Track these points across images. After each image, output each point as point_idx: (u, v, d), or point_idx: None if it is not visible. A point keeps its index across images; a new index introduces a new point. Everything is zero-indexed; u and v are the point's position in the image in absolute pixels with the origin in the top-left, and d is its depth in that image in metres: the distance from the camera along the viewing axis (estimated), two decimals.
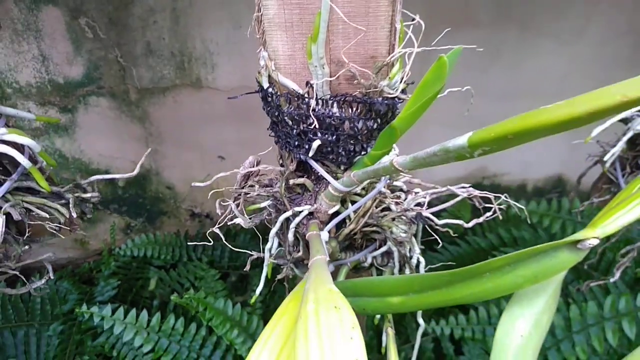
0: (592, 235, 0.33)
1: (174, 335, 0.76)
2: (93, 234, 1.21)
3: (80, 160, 1.08)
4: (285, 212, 0.36)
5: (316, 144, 0.33)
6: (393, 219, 0.38)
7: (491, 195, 0.39)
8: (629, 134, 0.45)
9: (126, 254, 1.06)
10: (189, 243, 1.14)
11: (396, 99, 0.31)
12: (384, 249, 0.39)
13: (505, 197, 0.38)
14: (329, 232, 0.37)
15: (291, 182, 0.36)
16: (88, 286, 1.07)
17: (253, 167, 0.37)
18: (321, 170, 0.34)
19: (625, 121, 0.45)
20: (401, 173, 0.38)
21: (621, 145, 0.45)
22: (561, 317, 0.83)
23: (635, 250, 0.54)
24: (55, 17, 0.90)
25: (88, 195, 0.45)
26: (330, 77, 0.31)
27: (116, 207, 1.19)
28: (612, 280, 0.55)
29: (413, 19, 0.31)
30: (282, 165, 0.37)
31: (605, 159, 0.46)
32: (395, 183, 0.38)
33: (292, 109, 0.32)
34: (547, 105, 0.20)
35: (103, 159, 1.09)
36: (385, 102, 0.31)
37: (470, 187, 0.39)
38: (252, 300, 0.43)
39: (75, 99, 1.00)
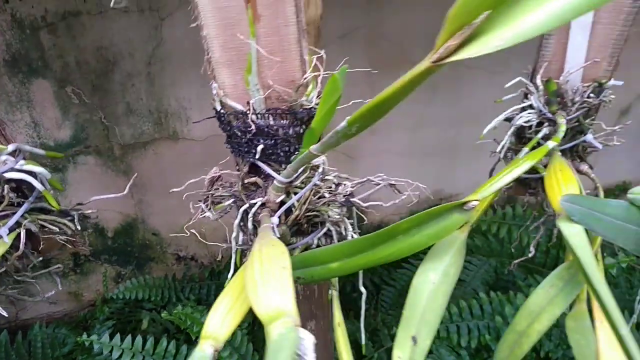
0: (474, 198, 0.46)
1: (167, 357, 0.84)
2: (85, 285, 1.29)
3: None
4: (243, 205, 0.47)
5: (260, 148, 0.44)
6: (328, 205, 0.49)
7: (404, 182, 0.51)
8: (512, 129, 0.57)
9: (118, 298, 1.14)
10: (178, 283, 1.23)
11: (312, 108, 0.43)
12: (324, 230, 0.50)
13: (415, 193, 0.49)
14: (280, 218, 0.48)
15: (246, 181, 0.47)
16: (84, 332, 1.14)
17: (216, 173, 0.48)
18: (267, 168, 0.45)
19: (509, 120, 0.58)
20: (331, 170, 0.50)
21: (508, 139, 0.58)
22: (513, 308, 0.93)
23: (542, 229, 0.65)
24: (44, 88, 1.03)
25: (89, 211, 0.55)
26: (264, 97, 0.43)
27: (106, 257, 1.27)
28: (530, 255, 0.65)
29: (320, 55, 0.44)
30: (238, 170, 0.49)
31: (497, 150, 0.59)
32: (327, 177, 0.50)
33: (239, 123, 0.44)
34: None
35: (92, 212, 1.19)
36: (306, 111, 0.43)
37: (384, 176, 0.51)
38: (226, 284, 0.52)
39: (65, 159, 1.11)
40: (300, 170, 0.46)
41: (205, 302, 1.23)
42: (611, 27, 0.49)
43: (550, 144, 0.51)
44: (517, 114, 0.57)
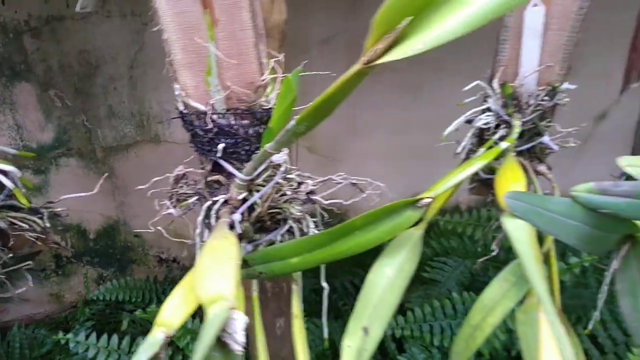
0: (427, 196, 0.48)
1: None
2: (67, 287, 1.30)
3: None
4: (206, 202, 0.49)
5: (221, 146, 0.46)
6: (290, 202, 0.51)
7: (363, 181, 0.53)
8: (472, 131, 0.60)
9: (99, 299, 1.15)
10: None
11: (271, 109, 0.45)
12: (287, 227, 0.52)
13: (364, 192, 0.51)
14: (242, 215, 0.50)
15: (209, 179, 0.49)
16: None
17: (181, 172, 0.50)
18: (228, 166, 0.47)
19: (469, 122, 0.60)
20: (292, 168, 0.52)
21: (469, 140, 0.60)
22: None
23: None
24: (27, 91, 1.04)
25: (59, 209, 0.57)
26: (225, 97, 0.45)
27: (88, 259, 1.28)
28: (494, 253, 0.67)
29: (278, 58, 0.46)
30: (202, 168, 0.50)
31: (457, 151, 0.61)
32: (290, 176, 0.52)
33: (201, 123, 0.46)
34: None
35: (74, 213, 1.20)
36: (265, 112, 0.45)
37: (343, 174, 0.53)
38: None
39: (47, 161, 1.12)
40: (261, 169, 0.48)
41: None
42: (560, 33, 0.51)
43: (504, 144, 0.53)
44: (477, 117, 0.60)
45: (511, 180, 0.49)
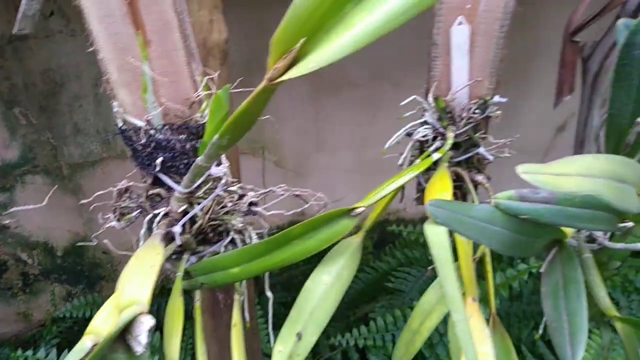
0: (360, 205, 0.50)
1: None
2: (35, 305, 1.29)
3: (20, 235, 1.19)
4: (147, 215, 0.51)
5: (159, 161, 0.48)
6: (232, 214, 0.53)
7: (300, 192, 0.55)
8: (411, 143, 0.62)
9: (67, 317, 1.14)
10: None
11: (206, 124, 0.47)
12: (229, 238, 0.54)
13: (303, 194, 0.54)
14: (184, 227, 0.52)
15: (150, 193, 0.51)
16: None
17: (124, 185, 0.52)
18: (167, 180, 0.49)
19: (409, 134, 0.63)
20: (234, 180, 0.54)
21: (409, 151, 0.63)
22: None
23: None
24: None
25: (7, 222, 0.58)
26: (162, 113, 0.47)
27: (56, 277, 1.28)
28: None
29: (212, 77, 0.48)
30: (144, 182, 0.52)
31: (399, 163, 0.64)
32: (231, 188, 0.54)
33: (139, 138, 0.48)
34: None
35: (41, 231, 1.20)
36: (200, 126, 0.47)
37: (285, 186, 0.55)
38: None
39: (13, 178, 1.13)
40: (200, 182, 0.50)
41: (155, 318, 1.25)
42: (486, 49, 0.54)
43: (435, 155, 0.56)
44: (416, 129, 0.62)
45: (438, 190, 0.51)
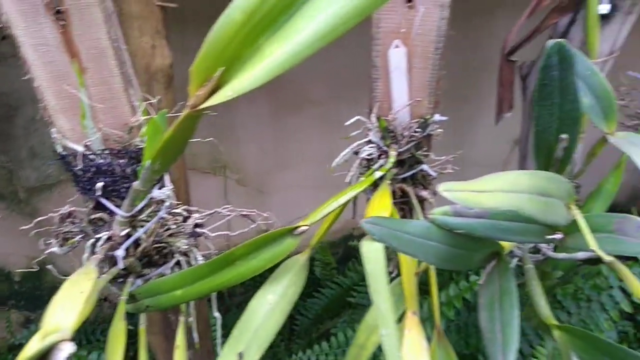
0: (303, 224, 0.51)
1: None
2: None
3: None
4: (90, 240, 0.51)
5: (99, 185, 0.48)
6: (176, 236, 0.53)
7: (253, 212, 0.56)
8: (357, 161, 0.64)
9: (23, 344, 1.11)
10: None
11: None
12: (174, 260, 0.54)
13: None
14: (128, 250, 0.52)
15: (92, 217, 0.51)
16: None
17: (66, 210, 0.52)
18: (108, 204, 0.49)
19: (357, 153, 0.65)
20: (178, 203, 0.54)
21: (355, 169, 0.64)
22: None
23: None
24: None
25: None
26: (101, 138, 0.47)
27: (14, 303, 1.25)
28: (392, 275, 0.71)
29: (152, 102, 0.49)
30: (86, 207, 0.52)
31: (347, 180, 0.65)
32: (175, 210, 0.54)
33: (79, 164, 0.48)
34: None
35: None
36: (140, 151, 0.48)
37: (230, 207, 0.56)
38: None
39: None
40: (142, 205, 0.50)
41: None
42: (423, 71, 0.56)
43: (378, 173, 0.58)
44: (362, 148, 0.64)
45: (378, 207, 0.53)
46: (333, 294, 1.19)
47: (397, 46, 0.54)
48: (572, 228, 0.45)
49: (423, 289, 1.17)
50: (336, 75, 1.17)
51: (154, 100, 0.48)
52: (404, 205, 0.69)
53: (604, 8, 0.54)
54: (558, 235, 0.47)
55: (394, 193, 0.66)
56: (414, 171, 0.64)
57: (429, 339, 0.56)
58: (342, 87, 1.22)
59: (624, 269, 0.58)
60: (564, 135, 0.48)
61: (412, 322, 0.50)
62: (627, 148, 0.53)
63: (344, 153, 0.64)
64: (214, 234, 0.54)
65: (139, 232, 0.51)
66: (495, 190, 0.41)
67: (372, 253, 0.45)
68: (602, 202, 0.71)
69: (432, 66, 0.56)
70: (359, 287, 1.14)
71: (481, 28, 1.18)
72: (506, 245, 0.57)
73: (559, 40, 0.43)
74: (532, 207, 0.43)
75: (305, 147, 1.26)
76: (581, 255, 0.59)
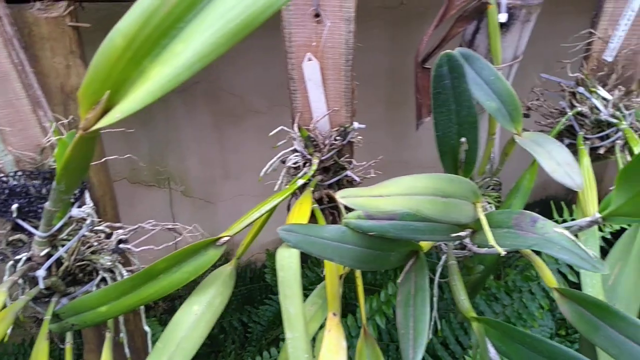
0: (225, 235, 0.52)
1: None
2: None
3: None
4: (9, 262, 0.51)
5: (15, 207, 0.48)
6: (99, 253, 0.54)
7: (172, 225, 0.57)
8: (284, 170, 0.66)
9: None
10: None
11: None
12: (100, 277, 0.55)
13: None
14: (50, 270, 0.52)
15: (10, 239, 0.51)
16: None
17: None
18: (26, 225, 0.49)
19: (283, 162, 0.67)
20: (100, 220, 0.55)
21: (283, 177, 0.66)
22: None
23: None
24: None
25: None
26: (14, 160, 0.47)
27: None
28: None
29: (66, 121, 0.49)
30: (4, 229, 0.52)
31: (275, 189, 0.67)
32: (98, 228, 0.55)
33: None
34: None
35: None
36: (54, 171, 0.48)
37: (153, 222, 0.57)
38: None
39: None
40: (61, 224, 0.50)
41: None
42: (337, 82, 0.59)
43: (300, 181, 0.60)
44: (288, 157, 0.66)
45: (297, 214, 0.55)
46: (278, 308, 1.20)
47: (309, 59, 0.56)
48: (478, 225, 0.48)
49: (370, 289, 1.20)
50: (276, 85, 1.19)
51: (65, 121, 0.49)
52: (333, 210, 0.71)
53: (502, 17, 0.58)
54: (463, 233, 0.50)
55: (321, 199, 0.68)
56: (338, 177, 0.66)
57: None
58: (283, 96, 1.24)
59: (538, 260, 0.62)
60: (462, 139, 0.51)
61: (332, 323, 0.52)
62: (531, 147, 0.57)
63: (270, 162, 0.66)
64: (138, 249, 0.55)
65: (60, 252, 0.51)
66: (393, 195, 0.44)
67: (285, 260, 0.47)
68: (521, 198, 0.75)
69: (345, 77, 0.58)
70: (307, 292, 1.16)
71: (417, 32, 1.22)
72: (425, 244, 0.60)
73: (448, 51, 0.46)
74: (430, 208, 0.45)
75: (248, 156, 1.27)
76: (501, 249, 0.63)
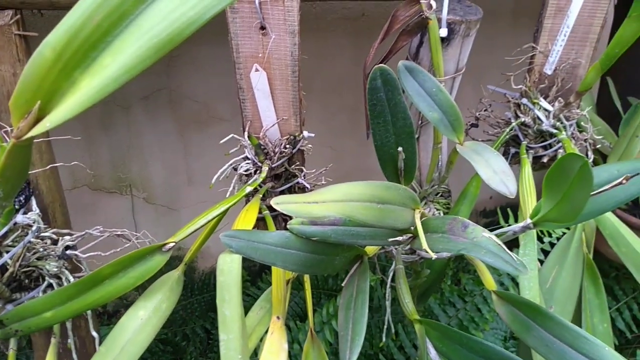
0: (171, 241, 0.53)
1: None
2: None
3: None
4: None
5: None
6: (45, 259, 0.54)
7: (120, 232, 0.58)
8: (236, 177, 0.67)
9: None
10: None
11: None
12: (46, 283, 0.55)
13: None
14: None
15: None
16: None
17: None
18: None
19: (235, 169, 0.68)
20: (47, 227, 0.55)
21: (234, 184, 0.68)
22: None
23: None
24: None
25: None
26: None
27: None
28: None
29: (6, 129, 0.50)
30: None
31: (227, 196, 0.68)
32: (44, 234, 0.55)
33: None
34: None
35: None
36: None
37: (101, 228, 0.57)
38: None
39: None
40: (4, 230, 0.51)
41: None
42: (285, 92, 0.61)
43: (248, 188, 0.61)
44: (240, 164, 0.67)
45: (243, 221, 0.56)
46: (246, 305, 1.21)
47: (257, 69, 0.58)
48: (417, 230, 0.51)
49: (330, 294, 1.22)
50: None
51: (9, 128, 0.49)
52: (286, 217, 0.72)
53: (443, 32, 0.61)
54: (401, 238, 0.52)
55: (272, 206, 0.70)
56: (290, 184, 0.68)
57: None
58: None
59: (480, 264, 0.65)
60: (400, 149, 0.53)
61: (275, 326, 0.54)
62: (470, 156, 0.60)
63: (222, 169, 0.67)
64: (85, 255, 0.55)
65: (4, 258, 0.52)
66: (328, 201, 0.46)
67: (227, 265, 0.48)
68: (468, 203, 0.78)
69: (292, 87, 0.60)
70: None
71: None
72: (370, 249, 0.62)
73: (381, 65, 0.48)
74: (365, 214, 0.47)
75: (212, 163, 1.27)
76: (445, 254, 0.65)
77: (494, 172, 0.57)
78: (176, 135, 1.22)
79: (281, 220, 0.73)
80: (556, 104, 0.75)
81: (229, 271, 0.48)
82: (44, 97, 0.33)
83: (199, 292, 1.35)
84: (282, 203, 0.43)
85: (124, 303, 1.31)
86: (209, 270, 1.43)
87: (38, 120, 0.34)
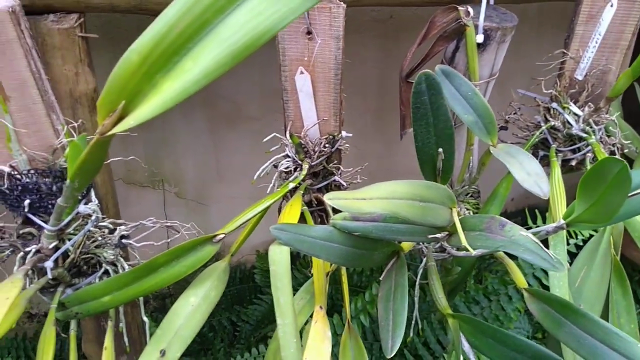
0: (221, 232, 0.56)
1: None
2: None
3: None
4: (19, 253, 0.55)
5: (27, 202, 0.52)
6: (103, 247, 0.58)
7: (170, 223, 0.61)
8: (277, 173, 0.70)
9: None
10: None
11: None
12: (103, 270, 0.59)
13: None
14: (57, 262, 0.56)
15: (21, 232, 0.55)
16: None
17: None
18: (36, 220, 0.53)
19: (276, 166, 0.71)
20: (104, 217, 0.59)
21: (275, 180, 0.71)
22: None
23: None
24: None
25: None
26: (28, 159, 0.51)
27: None
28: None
29: (76, 124, 0.53)
30: (16, 223, 0.56)
31: (268, 192, 0.71)
32: (102, 223, 0.59)
33: (6, 183, 0.52)
34: None
35: None
36: (64, 170, 0.53)
37: (154, 219, 0.61)
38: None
39: None
40: (69, 219, 0.55)
41: (59, 357, 1.23)
42: (327, 94, 0.63)
43: (291, 185, 0.64)
44: (280, 162, 0.70)
45: (288, 215, 0.59)
46: (272, 299, 1.24)
47: (302, 72, 0.61)
48: (454, 228, 0.53)
49: (356, 291, 1.24)
50: (270, 94, 1.23)
51: (75, 124, 0.53)
52: (321, 213, 0.75)
53: (479, 38, 0.63)
54: (440, 235, 0.54)
55: (310, 202, 0.73)
56: (327, 182, 0.71)
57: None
58: (276, 104, 1.29)
59: (510, 263, 0.67)
60: (440, 150, 0.56)
61: (319, 315, 0.56)
62: (504, 158, 0.62)
63: (264, 167, 0.70)
64: (139, 244, 0.59)
65: (67, 245, 0.55)
66: (374, 198, 0.48)
67: (277, 255, 0.51)
68: (497, 204, 0.80)
69: (334, 89, 0.63)
70: (296, 292, 1.20)
71: (406, 43, 1.28)
72: (405, 245, 0.64)
73: (427, 71, 0.51)
74: (408, 211, 0.50)
75: (242, 160, 1.31)
76: (477, 252, 0.67)
77: (528, 174, 0.59)
78: (208, 133, 1.25)
79: (316, 216, 0.76)
80: (586, 108, 0.77)
81: (279, 261, 0.51)
82: (128, 98, 0.36)
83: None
84: (334, 198, 0.45)
85: (154, 293, 1.35)
86: (234, 265, 1.47)
87: (120, 119, 0.37)
